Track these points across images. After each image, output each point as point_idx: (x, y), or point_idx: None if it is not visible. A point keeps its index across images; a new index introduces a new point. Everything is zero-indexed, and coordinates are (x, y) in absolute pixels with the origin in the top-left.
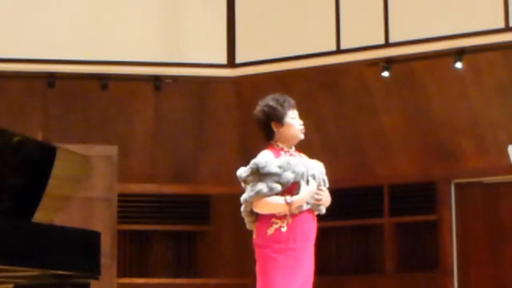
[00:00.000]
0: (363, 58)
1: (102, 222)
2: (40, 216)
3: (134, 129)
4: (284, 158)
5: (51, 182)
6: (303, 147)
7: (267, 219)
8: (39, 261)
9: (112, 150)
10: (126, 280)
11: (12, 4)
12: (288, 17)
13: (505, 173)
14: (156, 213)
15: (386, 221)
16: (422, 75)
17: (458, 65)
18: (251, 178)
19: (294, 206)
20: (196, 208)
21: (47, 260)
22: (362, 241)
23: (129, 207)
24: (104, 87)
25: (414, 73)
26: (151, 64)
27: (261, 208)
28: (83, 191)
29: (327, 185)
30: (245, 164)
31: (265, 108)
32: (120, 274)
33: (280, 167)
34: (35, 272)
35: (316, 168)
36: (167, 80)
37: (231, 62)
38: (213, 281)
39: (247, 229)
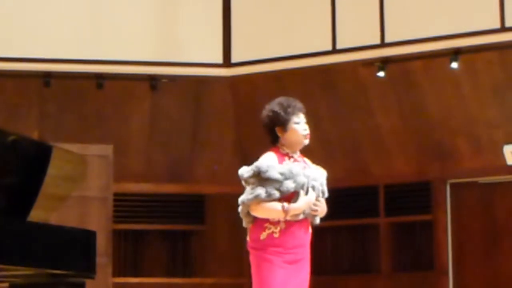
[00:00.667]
0: (359, 58)
1: (98, 221)
2: (36, 215)
3: (129, 129)
4: (287, 166)
5: (47, 181)
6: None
7: (261, 223)
8: (34, 260)
9: (108, 150)
10: (121, 280)
11: (8, 3)
12: (284, 16)
13: (500, 173)
14: (151, 212)
15: (381, 221)
16: (418, 75)
17: (454, 65)
18: (252, 180)
19: (290, 213)
20: (192, 208)
21: (42, 259)
22: (358, 241)
23: (124, 206)
24: (100, 86)
25: (410, 73)
26: (147, 64)
27: (258, 212)
28: (79, 190)
29: (326, 195)
30: (240, 163)
31: (270, 113)
32: (116, 274)
33: (282, 174)
34: (30, 271)
35: (317, 179)
36: (163, 80)
37: (227, 62)
38: (208, 280)
39: (242, 229)
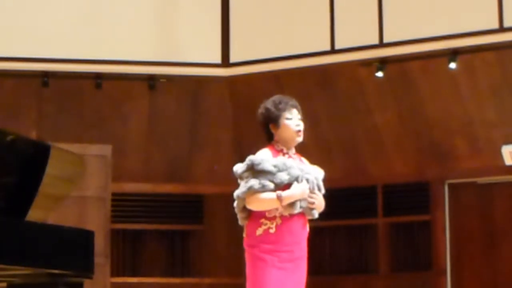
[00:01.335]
0: (357, 58)
1: (96, 221)
2: (34, 215)
3: (128, 129)
4: (280, 159)
5: (45, 181)
6: (297, 146)
7: (257, 219)
8: (32, 260)
9: (106, 149)
10: (120, 279)
11: (7, 3)
12: (282, 16)
13: (498, 174)
14: (149, 212)
15: (379, 221)
16: (416, 75)
17: (452, 65)
18: (246, 174)
19: (285, 202)
20: (190, 208)
21: (40, 259)
22: (356, 241)
23: (123, 206)
24: (99, 86)
25: (408, 73)
26: (145, 64)
27: (253, 204)
28: (77, 190)
29: (323, 191)
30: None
31: (263, 111)
32: (114, 273)
33: (275, 166)
34: (28, 271)
35: (311, 173)
36: (162, 80)
37: (226, 62)
38: (206, 280)
39: (240, 229)
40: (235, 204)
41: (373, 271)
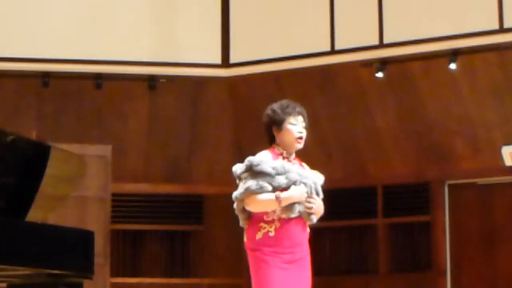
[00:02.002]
0: (358, 58)
1: (96, 221)
2: (34, 215)
3: (128, 129)
4: (280, 162)
5: (45, 181)
6: None
7: (256, 223)
8: (32, 260)
9: (106, 150)
10: (120, 280)
11: (7, 3)
12: (282, 17)
13: (498, 174)
14: (149, 212)
15: (379, 221)
16: (416, 76)
17: (453, 66)
18: (244, 175)
19: (283, 203)
20: (190, 208)
21: (40, 259)
22: (356, 241)
23: (122, 206)
24: (98, 86)
25: (408, 73)
26: (145, 64)
27: (252, 205)
28: (77, 190)
29: (321, 196)
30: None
31: (269, 112)
32: (114, 274)
33: (274, 168)
34: (28, 271)
35: (309, 178)
36: (162, 80)
37: (226, 62)
38: (206, 280)
39: (240, 229)
40: (234, 205)
41: (373, 272)
